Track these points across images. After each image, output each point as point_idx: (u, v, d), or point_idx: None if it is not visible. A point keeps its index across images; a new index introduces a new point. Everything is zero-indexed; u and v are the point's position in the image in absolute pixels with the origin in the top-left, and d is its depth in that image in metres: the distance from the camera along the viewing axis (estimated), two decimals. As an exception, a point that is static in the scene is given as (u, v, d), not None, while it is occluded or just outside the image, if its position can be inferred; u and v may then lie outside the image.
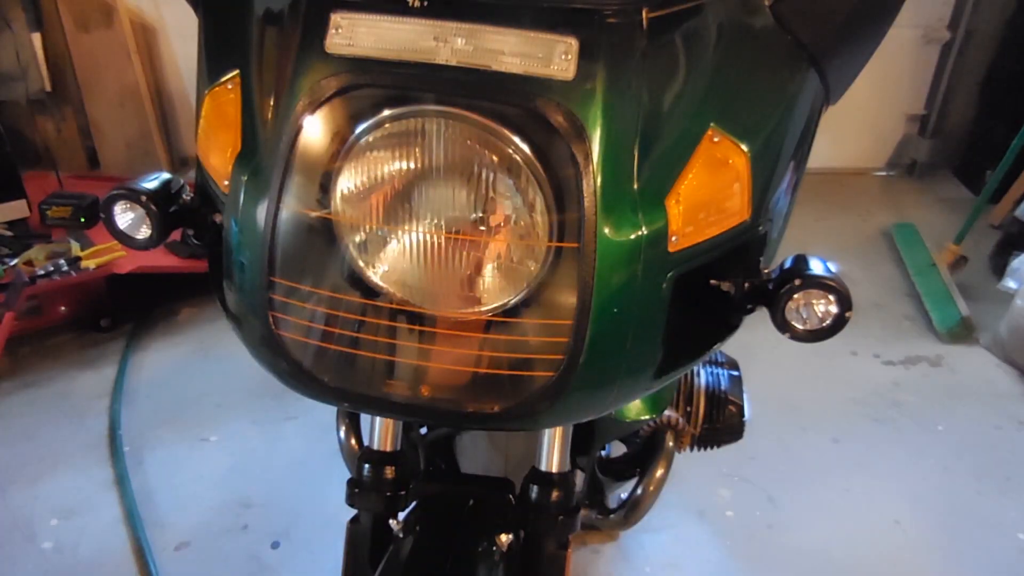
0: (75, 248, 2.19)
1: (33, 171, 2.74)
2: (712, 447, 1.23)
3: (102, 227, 0.72)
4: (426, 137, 0.60)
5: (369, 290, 0.65)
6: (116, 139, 2.94)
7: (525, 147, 0.59)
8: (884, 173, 3.44)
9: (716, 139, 0.62)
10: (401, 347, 0.67)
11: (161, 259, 2.21)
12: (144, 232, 0.72)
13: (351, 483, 0.87)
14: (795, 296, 0.64)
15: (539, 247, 0.61)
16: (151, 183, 0.72)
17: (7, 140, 2.35)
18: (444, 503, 0.89)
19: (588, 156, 0.58)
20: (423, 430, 1.13)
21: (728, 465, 1.80)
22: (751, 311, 0.69)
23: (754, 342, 1.73)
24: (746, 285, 0.67)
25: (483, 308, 0.64)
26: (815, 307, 0.65)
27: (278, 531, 1.65)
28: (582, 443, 1.05)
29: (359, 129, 0.60)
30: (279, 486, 1.78)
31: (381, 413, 0.84)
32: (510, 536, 0.85)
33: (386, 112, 0.60)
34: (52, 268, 2.12)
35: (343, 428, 1.13)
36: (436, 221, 0.62)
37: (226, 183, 0.67)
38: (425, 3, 0.59)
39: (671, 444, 1.12)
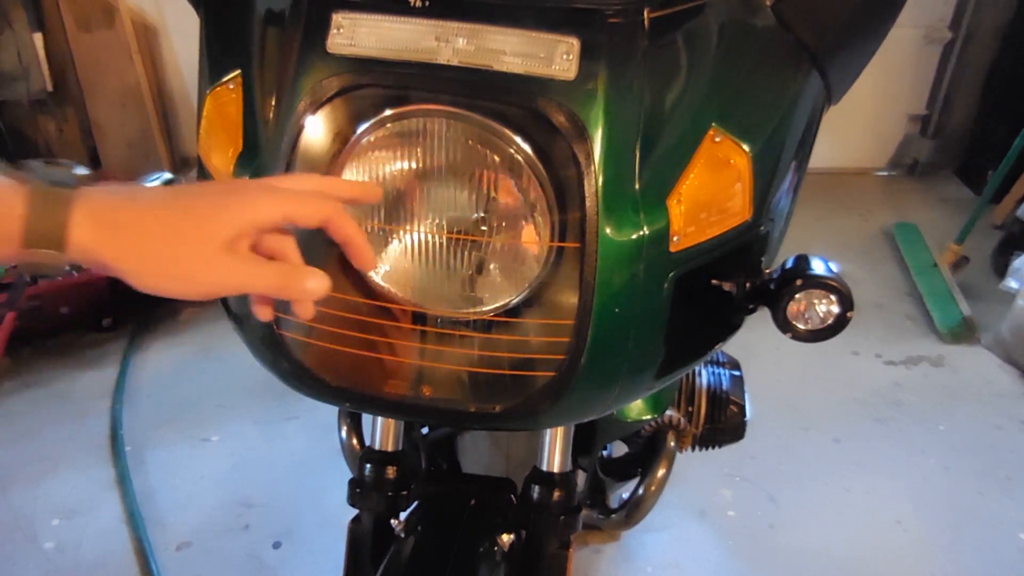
0: (76, 248, 2.19)
1: (35, 171, 2.74)
2: (713, 447, 1.23)
3: (104, 227, 0.72)
4: (428, 137, 0.60)
5: (371, 290, 0.65)
6: (117, 139, 2.94)
7: (527, 147, 0.59)
8: (885, 173, 3.44)
9: (717, 139, 0.62)
10: (403, 347, 0.67)
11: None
12: (146, 232, 0.72)
13: (352, 483, 0.88)
14: (796, 296, 0.64)
15: (541, 247, 0.61)
16: (153, 183, 0.72)
17: (9, 140, 2.35)
18: (445, 503, 0.89)
19: (589, 156, 0.58)
20: (424, 430, 1.13)
21: (729, 465, 1.80)
22: (752, 311, 0.69)
23: (755, 342, 1.74)
24: (747, 285, 0.67)
25: (485, 308, 0.64)
26: (816, 307, 0.65)
27: (279, 531, 1.65)
28: (584, 443, 1.05)
29: (361, 129, 0.61)
30: (280, 486, 1.78)
31: (383, 413, 0.84)
32: (511, 536, 0.85)
33: (388, 112, 0.60)
34: (53, 268, 2.12)
35: (344, 428, 1.13)
36: (438, 221, 0.62)
37: (228, 183, 0.67)
38: (427, 3, 0.59)
39: (672, 444, 1.12)
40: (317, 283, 0.52)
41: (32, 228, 0.45)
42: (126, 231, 0.47)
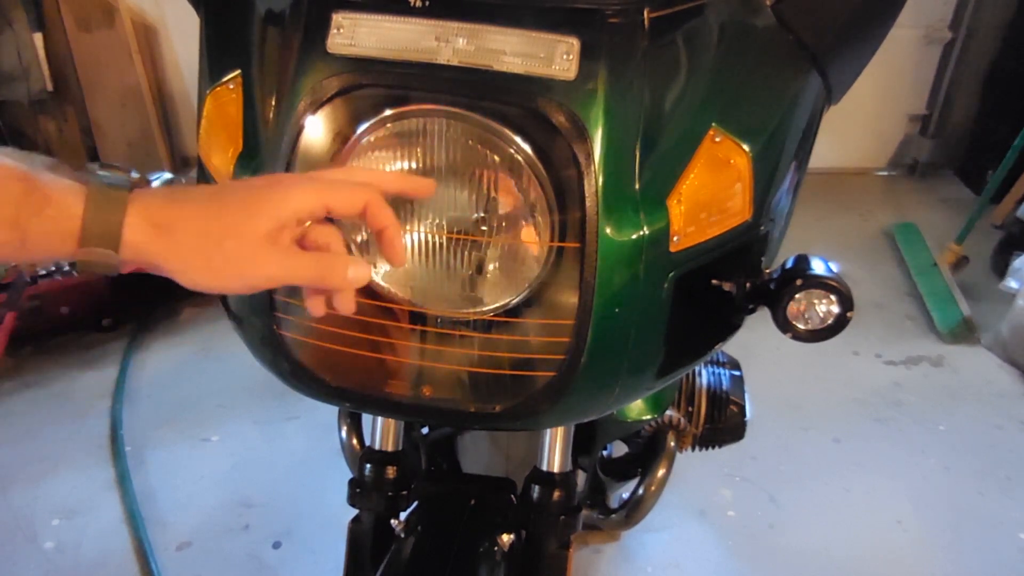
0: (77, 248, 2.18)
1: (35, 171, 2.73)
2: (713, 447, 1.23)
3: (104, 227, 0.72)
4: (428, 137, 0.60)
5: (371, 290, 0.65)
6: (118, 139, 2.94)
7: (527, 147, 0.59)
8: (885, 173, 3.44)
9: (718, 139, 0.62)
10: (403, 347, 0.67)
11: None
12: (146, 232, 0.72)
13: (353, 483, 0.88)
14: (796, 296, 0.64)
15: (541, 247, 0.61)
16: (153, 183, 0.72)
17: (9, 140, 2.34)
18: (445, 503, 0.89)
19: (590, 156, 0.58)
20: (424, 430, 1.13)
21: (729, 465, 1.80)
22: (752, 311, 0.69)
23: (755, 342, 1.74)
24: (747, 285, 0.67)
25: (485, 308, 0.64)
26: (816, 307, 0.65)
27: (279, 531, 1.65)
28: (584, 443, 1.05)
29: (361, 129, 0.61)
30: (280, 486, 1.78)
31: (383, 413, 0.84)
32: (511, 536, 0.85)
33: (388, 112, 0.60)
34: (54, 268, 2.12)
35: (345, 428, 1.13)
36: (438, 221, 0.62)
37: (228, 183, 0.67)
38: (427, 3, 0.59)
39: (672, 444, 1.12)
40: (358, 271, 0.52)
41: (89, 228, 0.47)
42: (171, 230, 0.48)
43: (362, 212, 0.53)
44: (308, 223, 0.54)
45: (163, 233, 0.48)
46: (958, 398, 2.08)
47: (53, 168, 0.47)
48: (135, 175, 0.50)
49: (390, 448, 0.88)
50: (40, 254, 0.47)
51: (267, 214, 0.49)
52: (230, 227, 0.49)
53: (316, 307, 0.57)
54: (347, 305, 0.55)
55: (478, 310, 0.64)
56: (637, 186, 0.60)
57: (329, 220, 0.56)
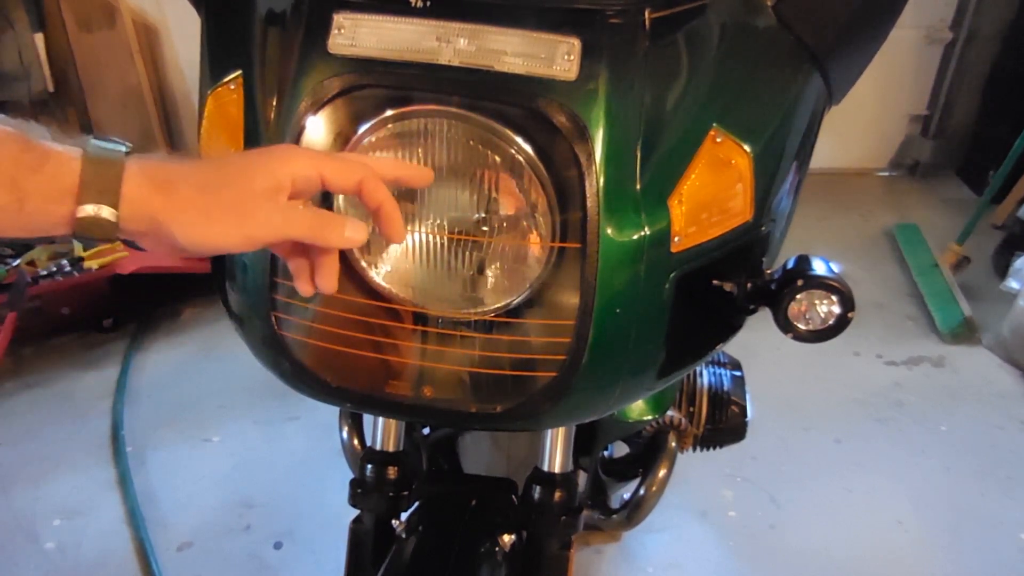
0: (78, 248, 2.19)
1: (36, 171, 2.73)
2: (714, 447, 1.23)
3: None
4: (429, 137, 0.60)
5: (372, 290, 0.65)
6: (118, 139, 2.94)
7: (528, 147, 0.59)
8: (886, 173, 3.44)
9: (719, 139, 0.62)
10: (404, 347, 0.67)
11: (164, 259, 2.20)
12: (147, 232, 0.72)
13: (354, 483, 0.88)
14: (797, 296, 0.64)
15: (542, 247, 0.61)
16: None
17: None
18: (446, 503, 0.89)
19: (591, 156, 0.58)
20: (425, 430, 1.13)
21: (730, 465, 1.80)
22: (753, 311, 0.69)
23: (756, 342, 1.74)
24: (748, 285, 0.67)
25: (486, 308, 0.64)
26: (818, 307, 0.65)
27: (280, 531, 1.65)
28: (585, 443, 1.05)
29: (362, 129, 0.61)
30: (281, 486, 1.78)
31: (384, 414, 0.84)
32: (512, 536, 0.85)
33: (389, 112, 0.60)
34: (55, 268, 2.12)
35: (346, 428, 1.13)
36: (439, 221, 0.62)
37: (229, 183, 0.67)
38: (428, 3, 0.59)
39: (673, 444, 1.12)
40: (355, 231, 0.53)
41: (88, 183, 0.47)
42: (171, 184, 0.49)
43: (357, 188, 0.53)
44: (302, 204, 0.55)
45: (163, 189, 0.49)
46: (959, 398, 2.08)
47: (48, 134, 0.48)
48: (129, 145, 0.50)
49: (391, 448, 0.88)
50: (38, 218, 0.47)
51: (264, 173, 0.50)
52: (228, 178, 0.50)
53: (304, 286, 0.57)
54: (329, 282, 0.56)
55: (479, 310, 0.64)
56: (638, 186, 0.60)
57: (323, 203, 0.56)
